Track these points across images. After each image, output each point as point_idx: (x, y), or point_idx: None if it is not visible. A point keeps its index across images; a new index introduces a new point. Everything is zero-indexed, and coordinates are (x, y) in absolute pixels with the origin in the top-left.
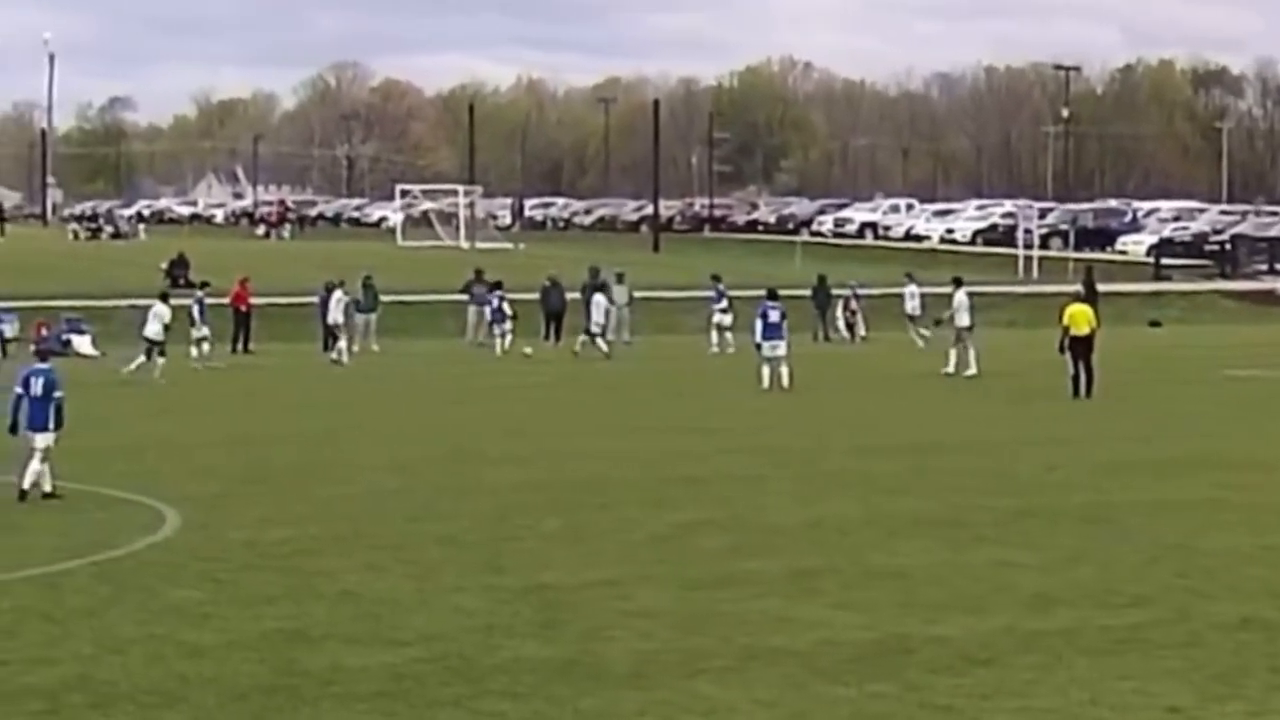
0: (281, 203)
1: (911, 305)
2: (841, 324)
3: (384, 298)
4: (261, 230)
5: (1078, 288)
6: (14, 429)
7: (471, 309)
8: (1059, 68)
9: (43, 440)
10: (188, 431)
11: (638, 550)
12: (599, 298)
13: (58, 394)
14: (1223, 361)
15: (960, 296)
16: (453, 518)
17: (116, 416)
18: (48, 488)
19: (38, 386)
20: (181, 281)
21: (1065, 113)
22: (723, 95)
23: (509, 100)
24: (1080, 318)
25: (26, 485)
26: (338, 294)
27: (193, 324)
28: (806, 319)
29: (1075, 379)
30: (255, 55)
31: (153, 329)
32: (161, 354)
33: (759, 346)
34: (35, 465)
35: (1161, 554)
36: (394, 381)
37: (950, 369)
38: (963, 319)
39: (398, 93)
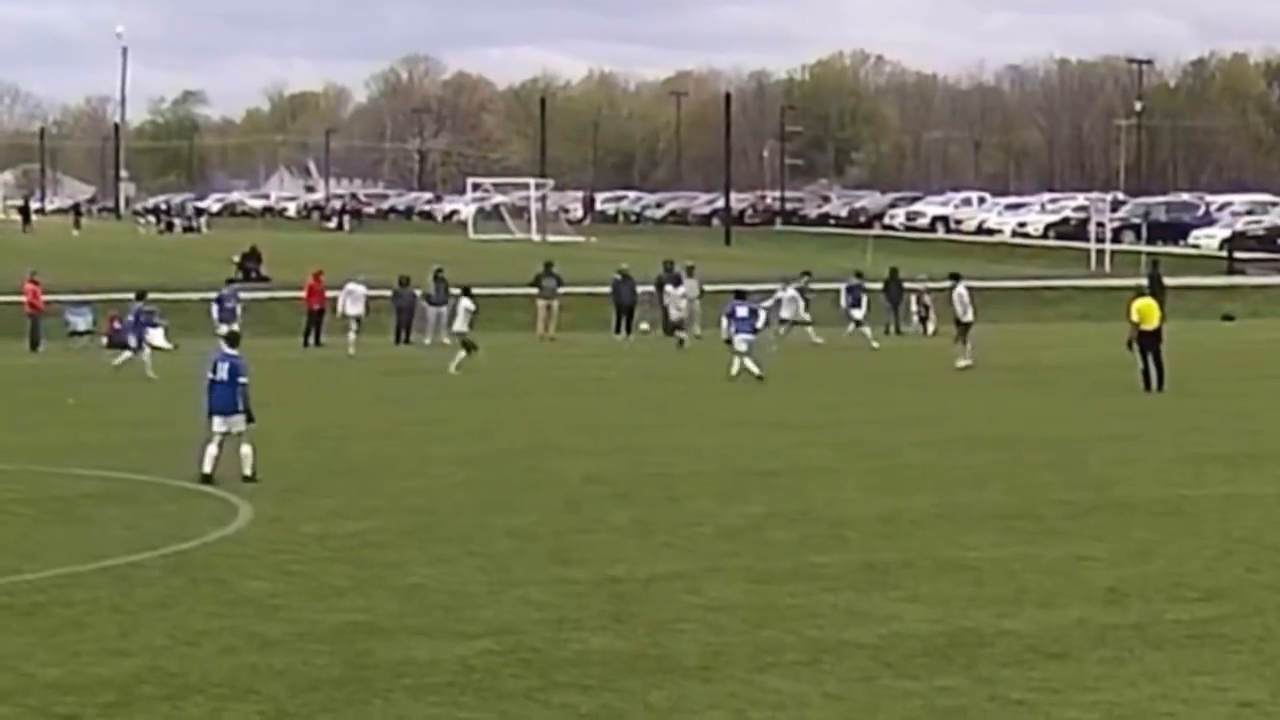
0: (353, 196)
1: (791, 310)
2: (915, 318)
3: (455, 291)
4: (333, 223)
5: (1141, 281)
6: (211, 412)
7: (540, 303)
8: (1131, 61)
9: (226, 424)
10: (260, 424)
11: (708, 543)
12: (672, 289)
13: (242, 379)
14: None
15: (959, 291)
16: (523, 511)
17: (189, 409)
18: (247, 470)
19: (223, 371)
20: (253, 274)
21: (1138, 106)
22: (794, 88)
23: (580, 93)
24: (1149, 311)
25: (208, 469)
26: (350, 285)
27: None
28: (880, 312)
29: (1145, 373)
30: (327, 49)
31: (460, 323)
32: (472, 346)
33: (729, 341)
34: (213, 449)
35: (1234, 548)
36: (465, 375)
37: (968, 360)
38: (965, 314)
39: (469, 86)
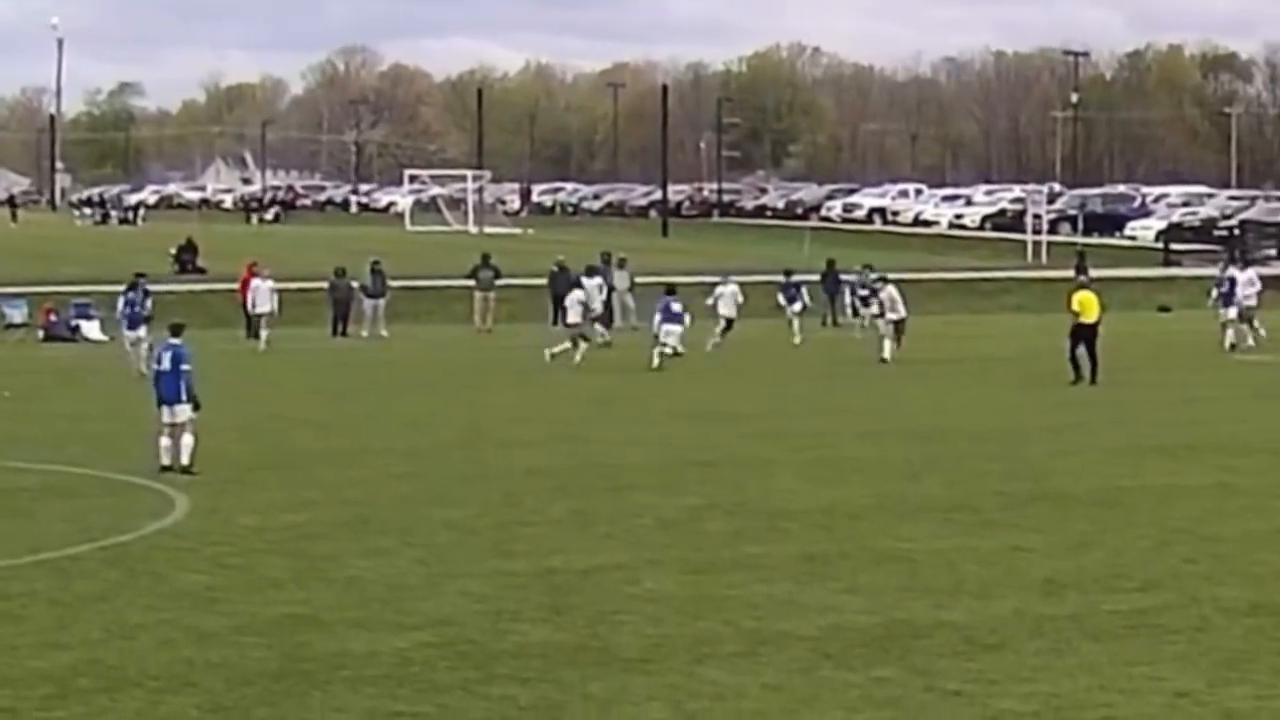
0: (289, 188)
1: (722, 306)
2: (850, 310)
3: (393, 283)
4: (270, 215)
5: (1077, 275)
6: (160, 402)
7: (478, 294)
8: (1068, 53)
9: (172, 414)
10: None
11: (647, 535)
12: (587, 280)
13: (184, 367)
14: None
15: (889, 291)
16: (462, 503)
17: (126, 402)
18: (185, 460)
19: (166, 360)
20: (189, 267)
21: (1074, 98)
22: (731, 80)
23: (518, 85)
24: (1089, 304)
25: (166, 461)
26: (255, 282)
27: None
28: (817, 304)
29: (1075, 363)
30: (264, 40)
31: (574, 315)
32: (584, 339)
33: (656, 335)
34: (165, 440)
35: (1170, 539)
36: (403, 367)
37: (886, 356)
38: (900, 311)
39: (406, 78)
